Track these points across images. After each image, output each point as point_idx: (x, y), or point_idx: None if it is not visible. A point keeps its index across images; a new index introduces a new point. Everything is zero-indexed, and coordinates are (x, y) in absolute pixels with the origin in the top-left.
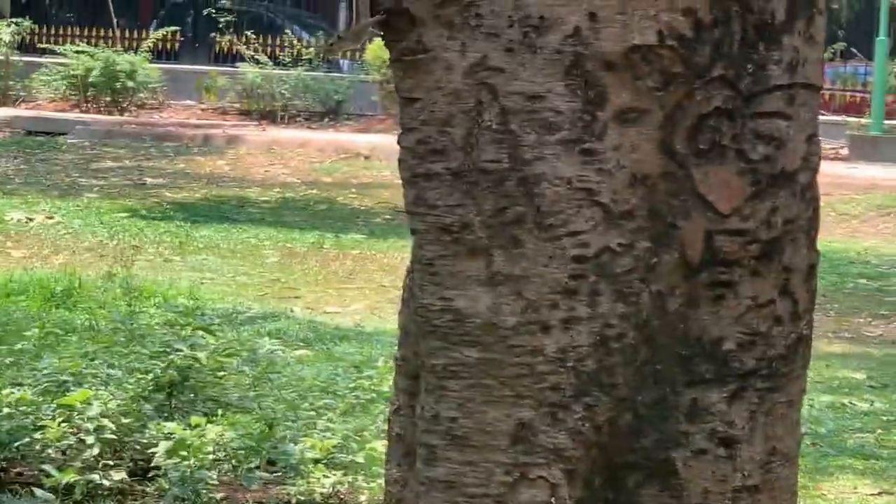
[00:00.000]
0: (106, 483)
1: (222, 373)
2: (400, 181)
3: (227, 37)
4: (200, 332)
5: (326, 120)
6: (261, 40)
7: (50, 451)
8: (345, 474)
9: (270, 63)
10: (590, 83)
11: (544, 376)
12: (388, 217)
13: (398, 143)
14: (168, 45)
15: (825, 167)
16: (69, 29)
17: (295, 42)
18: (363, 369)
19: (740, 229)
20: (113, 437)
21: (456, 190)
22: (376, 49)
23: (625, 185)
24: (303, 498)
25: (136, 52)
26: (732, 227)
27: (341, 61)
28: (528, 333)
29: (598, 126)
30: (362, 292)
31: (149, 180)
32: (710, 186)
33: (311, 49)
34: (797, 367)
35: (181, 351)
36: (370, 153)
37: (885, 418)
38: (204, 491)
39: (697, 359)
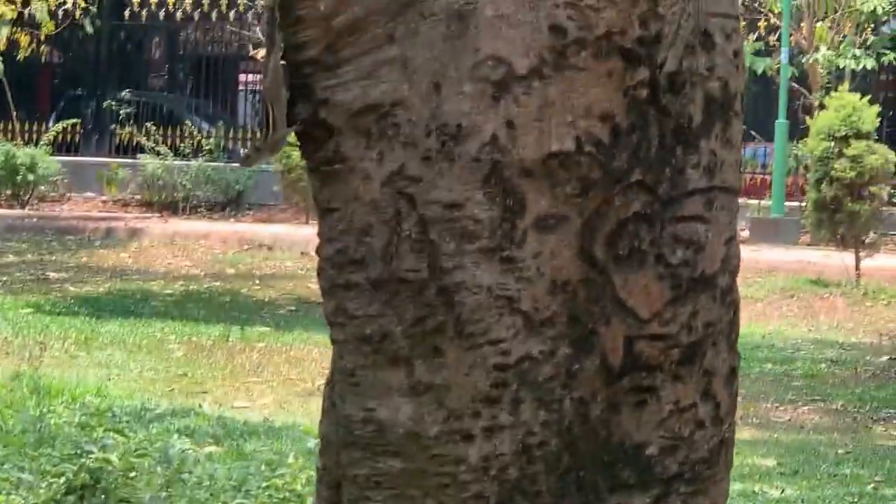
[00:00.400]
0: None
1: (134, 473)
2: (304, 272)
3: (128, 128)
4: (111, 433)
5: (228, 210)
6: (161, 131)
7: None
8: None
9: (171, 154)
10: (508, 191)
11: (467, 485)
12: (292, 308)
13: (317, 253)
14: (68, 137)
15: None
16: None
17: (195, 132)
18: (276, 467)
19: (661, 334)
20: None
21: (376, 300)
22: None
23: (545, 293)
24: None
25: (36, 145)
26: (653, 331)
27: (241, 151)
28: (451, 443)
29: (518, 234)
30: (269, 386)
31: (52, 275)
32: (630, 292)
33: (212, 139)
34: (720, 471)
35: (92, 453)
36: (273, 244)
37: None
38: None
39: (620, 464)
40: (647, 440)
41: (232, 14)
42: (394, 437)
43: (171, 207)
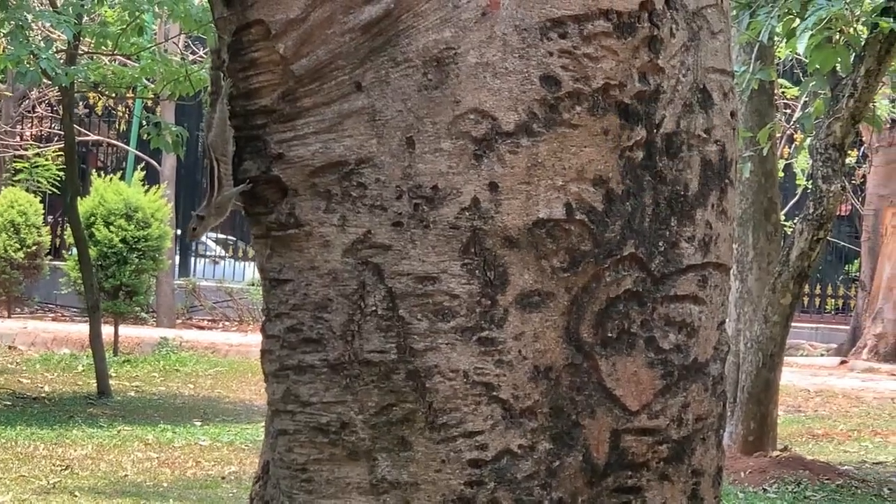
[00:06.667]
0: None
1: None
2: (13, 366)
3: None
4: None
5: None
6: None
7: None
8: None
9: None
10: (489, 263)
11: None
12: (7, 403)
13: (262, 331)
14: None
15: None
16: None
17: None
18: None
19: (649, 428)
20: None
21: (334, 385)
22: None
23: (527, 379)
24: None
25: None
26: (641, 425)
27: None
28: None
29: (498, 312)
30: (2, 483)
31: None
32: (618, 380)
33: None
34: None
35: None
36: None
37: None
38: None
39: None
40: None
41: None
42: None
43: None
